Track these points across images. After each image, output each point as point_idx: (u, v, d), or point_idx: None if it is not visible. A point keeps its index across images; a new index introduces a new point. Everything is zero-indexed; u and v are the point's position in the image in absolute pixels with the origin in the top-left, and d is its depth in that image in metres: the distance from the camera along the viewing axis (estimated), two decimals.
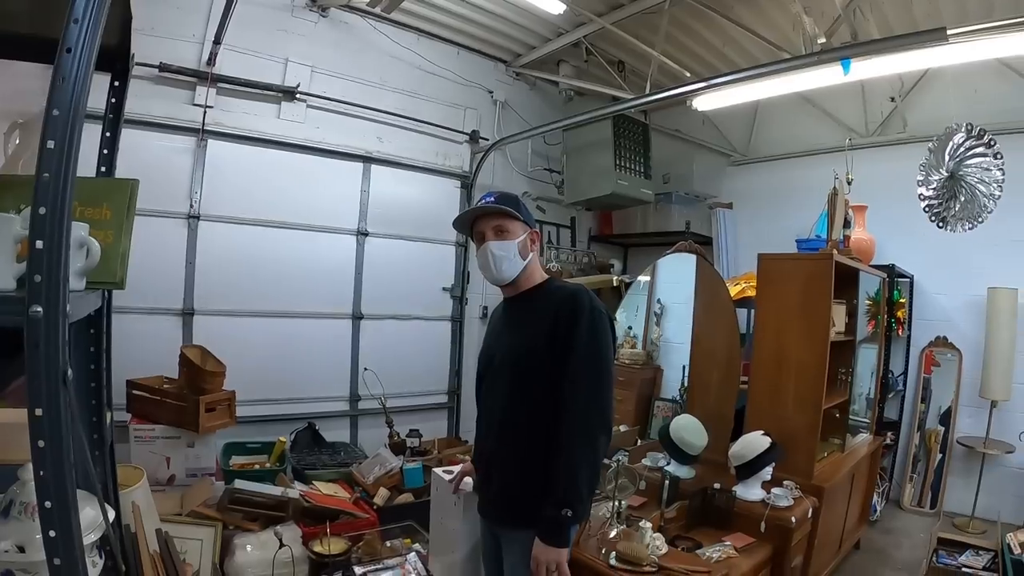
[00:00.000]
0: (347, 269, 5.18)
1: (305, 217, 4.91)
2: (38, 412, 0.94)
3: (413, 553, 3.14)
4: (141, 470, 3.09)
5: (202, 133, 4.42)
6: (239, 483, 3.53)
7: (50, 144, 0.94)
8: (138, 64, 3.99)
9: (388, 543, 3.33)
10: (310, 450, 4.76)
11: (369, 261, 5.24)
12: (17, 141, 2.52)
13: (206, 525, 3.33)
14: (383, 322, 5.33)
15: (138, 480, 2.93)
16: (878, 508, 4.87)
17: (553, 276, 2.41)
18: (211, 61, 4.35)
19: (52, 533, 0.96)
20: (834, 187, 3.83)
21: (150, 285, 4.23)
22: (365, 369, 5.07)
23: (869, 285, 4.32)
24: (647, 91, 4.48)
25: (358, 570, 2.92)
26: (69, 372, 0.97)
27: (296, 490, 3.69)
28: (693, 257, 4.23)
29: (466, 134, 5.75)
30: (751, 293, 4.46)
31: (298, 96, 4.82)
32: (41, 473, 0.95)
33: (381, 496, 4.02)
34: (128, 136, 4.02)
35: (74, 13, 0.95)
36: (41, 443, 0.94)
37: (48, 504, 0.96)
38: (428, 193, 5.60)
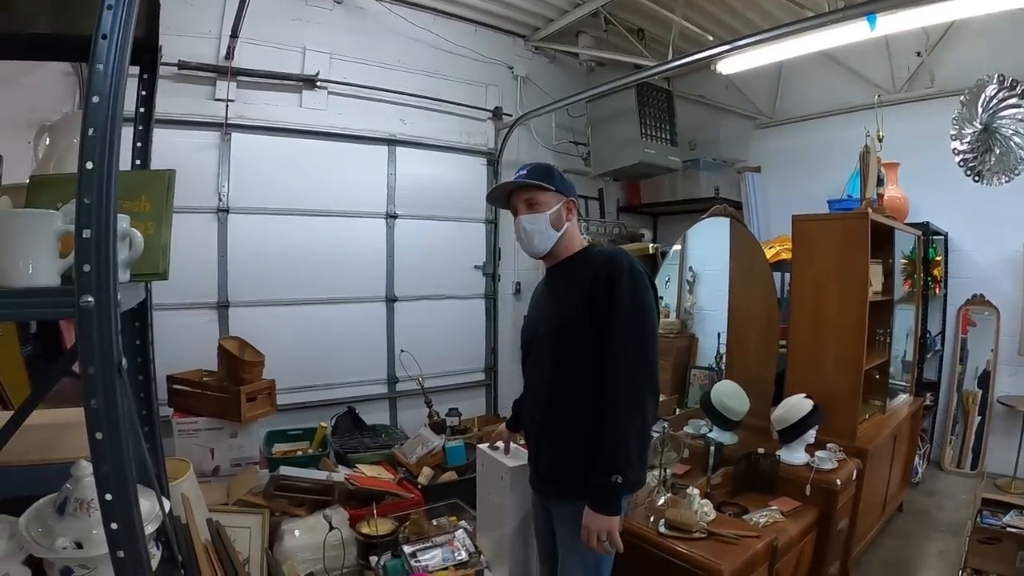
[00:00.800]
0: (378, 253, 5.19)
1: (333, 203, 4.92)
2: (94, 404, 0.94)
3: (461, 530, 3.15)
4: (187, 462, 3.13)
5: (225, 127, 4.44)
6: (284, 469, 3.56)
7: (91, 132, 0.93)
8: None
9: (434, 521, 3.35)
10: (351, 434, 4.80)
11: (400, 243, 5.25)
12: (47, 142, 2.54)
13: (253, 513, 3.37)
14: (417, 303, 5.35)
15: (185, 472, 2.97)
16: (920, 470, 4.82)
17: (593, 243, 2.36)
18: (229, 55, 4.36)
19: (114, 526, 0.96)
20: (865, 145, 3.75)
21: (184, 280, 4.25)
22: (402, 351, 5.09)
23: (904, 244, 4.25)
24: (669, 57, 4.42)
25: (407, 549, 2.93)
26: (124, 362, 0.97)
27: (341, 474, 3.72)
28: (726, 222, 4.17)
29: (489, 111, 5.72)
30: (786, 256, 4.41)
31: (318, 84, 4.81)
32: (101, 466, 0.95)
33: (425, 475, 4.04)
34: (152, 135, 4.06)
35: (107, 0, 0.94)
36: (99, 435, 0.94)
37: (109, 497, 0.95)
38: (455, 172, 5.59)
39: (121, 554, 0.97)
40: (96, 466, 0.95)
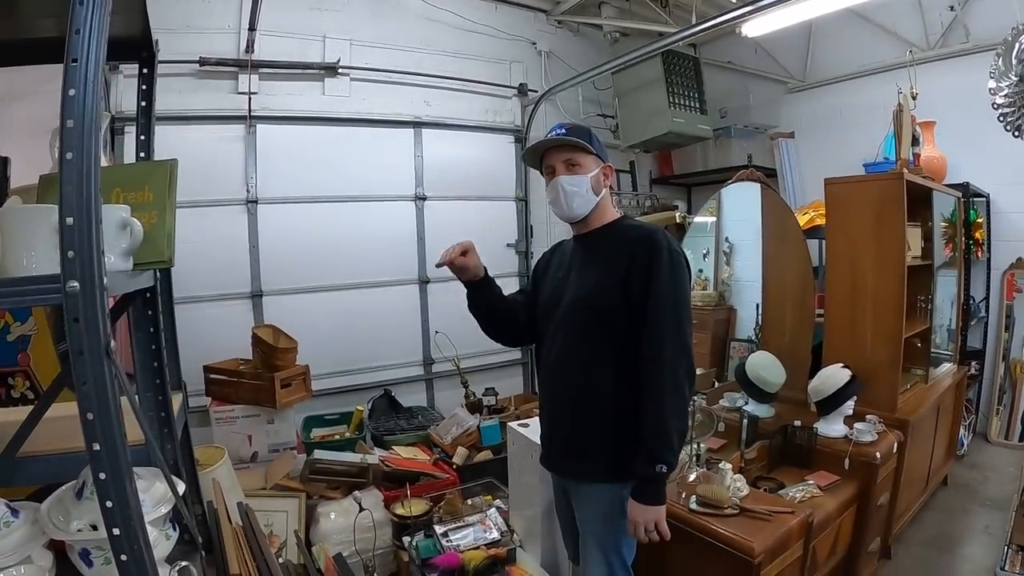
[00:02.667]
0: (409, 235, 5.19)
1: (361, 188, 4.93)
2: (84, 385, 0.95)
3: (493, 509, 3.16)
4: (223, 449, 3.19)
5: (250, 119, 4.47)
6: (318, 453, 3.60)
7: (69, 123, 0.96)
8: (178, 61, 4.15)
9: (469, 501, 3.36)
10: (387, 416, 4.83)
11: (430, 225, 5.24)
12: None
13: (290, 497, 3.43)
14: (450, 284, 5.17)
15: (220, 459, 3.02)
16: (965, 442, 4.68)
17: (626, 215, 2.29)
18: (249, 48, 4.37)
19: (109, 503, 0.98)
20: (899, 103, 3.63)
21: (217, 272, 4.37)
22: (436, 332, 5.09)
23: (943, 206, 4.11)
24: (693, 22, 4.33)
25: (439, 529, 2.95)
26: (112, 344, 0.98)
27: (375, 456, 3.75)
28: (757, 189, 4.09)
29: (514, 88, 5.66)
30: (820, 222, 4.30)
31: (340, 71, 4.81)
32: (94, 446, 0.97)
33: (460, 455, 4.05)
34: (178, 131, 4.17)
35: None
36: (90, 415, 0.96)
37: (103, 476, 0.97)
38: (482, 151, 5.55)
39: (117, 532, 0.99)
40: (88, 446, 0.96)
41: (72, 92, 0.95)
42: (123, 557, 1.00)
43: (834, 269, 3.67)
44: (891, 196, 3.39)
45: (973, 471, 4.45)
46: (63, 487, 1.53)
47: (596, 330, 2.04)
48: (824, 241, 3.92)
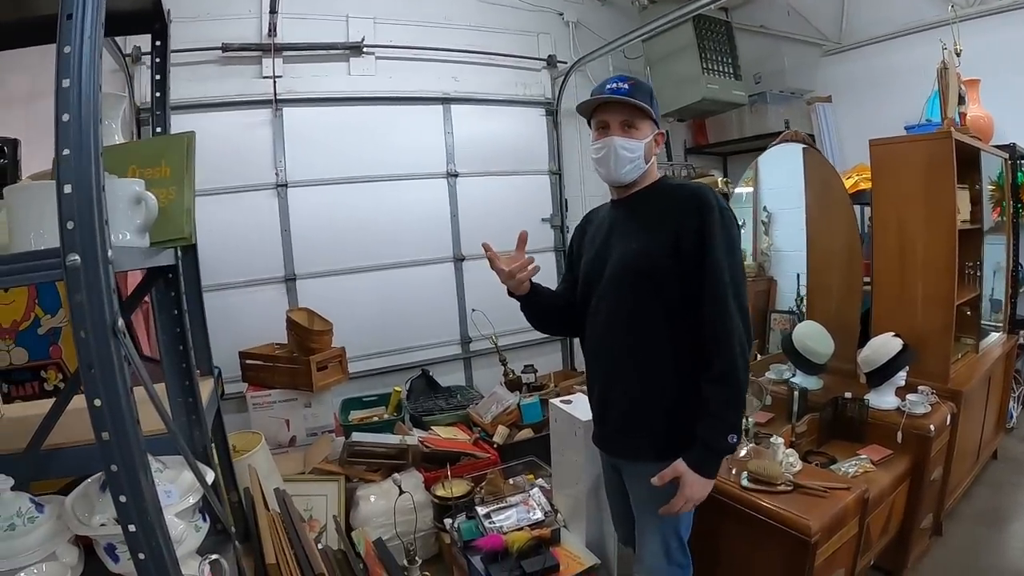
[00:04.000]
0: (442, 213, 5.13)
1: (392, 168, 4.86)
2: (90, 369, 0.88)
3: (536, 488, 3.09)
4: (259, 435, 3.17)
5: (276, 103, 4.42)
6: (356, 436, 3.58)
7: (65, 83, 0.89)
8: (201, 49, 4.12)
9: (511, 480, 3.31)
10: (426, 396, 4.81)
11: (463, 202, 5.17)
12: None
13: (329, 480, 3.41)
14: (485, 261, 5.17)
15: (257, 445, 3.00)
16: (1014, 414, 4.51)
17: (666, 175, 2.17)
18: (272, 32, 4.32)
19: (122, 498, 0.91)
20: (943, 60, 3.45)
21: (250, 258, 4.36)
22: (473, 310, 5.04)
23: (990, 168, 3.93)
24: None
25: (480, 510, 2.89)
26: (119, 322, 0.91)
27: (414, 437, 3.71)
28: (799, 156, 3.94)
29: (542, 60, 5.53)
30: (865, 186, 4.14)
31: (365, 50, 4.73)
32: (103, 435, 0.90)
33: (500, 434, 4.00)
34: (205, 119, 4.17)
35: None
36: (98, 402, 0.89)
37: (114, 468, 0.90)
38: (513, 125, 5.44)
39: (132, 528, 0.92)
40: (97, 435, 0.89)
41: (67, 50, 0.89)
42: (141, 555, 0.93)
43: (881, 234, 3.52)
44: (940, 156, 3.23)
45: (1023, 444, 4.31)
46: (88, 480, 1.50)
47: (645, 296, 1.93)
48: (869, 206, 3.78)
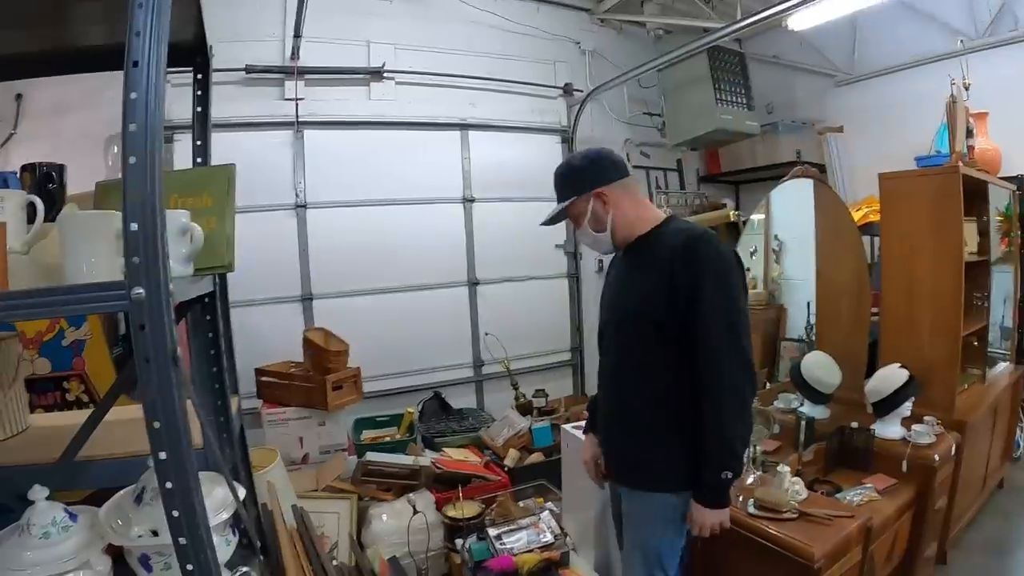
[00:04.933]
0: (457, 237, 5.21)
1: (410, 192, 4.95)
2: (151, 393, 0.95)
3: (546, 512, 3.14)
4: (275, 451, 3.22)
5: (297, 125, 4.53)
6: (370, 455, 3.63)
7: (132, 127, 0.95)
8: (225, 70, 4.22)
9: (521, 503, 3.36)
10: (438, 418, 4.86)
11: (479, 227, 5.25)
12: (116, 151, 2.65)
13: (342, 498, 3.45)
14: (499, 285, 5.33)
15: (273, 460, 3.05)
16: (1021, 444, 4.51)
17: (674, 216, 2.17)
18: (295, 55, 4.43)
19: (175, 513, 0.97)
20: (951, 94, 3.53)
21: (267, 276, 4.42)
22: (486, 334, 5.12)
23: (998, 199, 3.99)
24: (738, 17, 4.26)
25: (492, 531, 2.94)
26: (178, 351, 0.98)
27: (427, 458, 3.76)
28: (810, 185, 4.00)
29: (559, 88, 5.62)
30: (874, 218, 4.20)
31: (385, 75, 4.84)
32: (160, 455, 0.96)
33: (512, 457, 4.05)
34: (227, 139, 4.26)
35: None
36: (156, 424, 0.95)
37: (169, 485, 0.97)
38: (529, 152, 5.51)
39: (183, 541, 0.99)
40: (154, 454, 0.96)
41: (134, 95, 0.95)
42: (189, 567, 1.00)
43: (890, 266, 3.58)
44: (947, 190, 3.30)
45: None
46: (121, 492, 1.54)
47: (641, 343, 2.01)
48: (878, 238, 3.83)
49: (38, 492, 1.39)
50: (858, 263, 3.81)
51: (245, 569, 1.46)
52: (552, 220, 2.16)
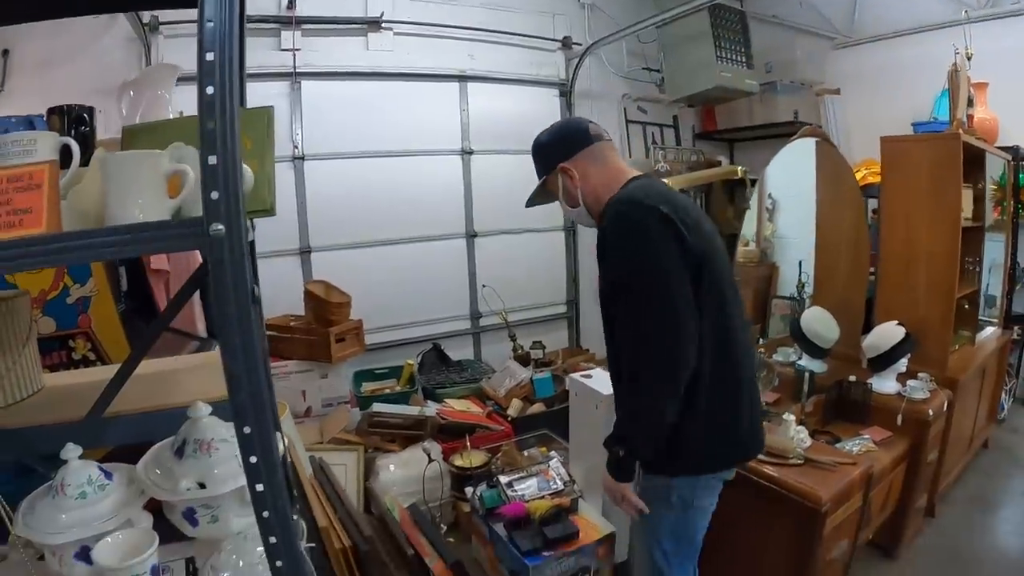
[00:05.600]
0: (456, 189, 5.19)
1: (408, 143, 4.91)
2: (230, 337, 0.93)
3: (556, 459, 3.19)
4: (284, 404, 3.23)
5: (294, 76, 4.46)
6: (376, 406, 3.65)
7: (209, 56, 0.89)
8: None
9: (526, 453, 3.39)
10: (438, 370, 4.89)
11: (476, 179, 5.23)
12: (131, 95, 2.61)
13: (348, 450, 3.48)
14: (497, 238, 5.34)
15: (283, 413, 3.07)
16: (1005, 406, 4.67)
17: (641, 177, 1.98)
18: (291, 5, 4.35)
19: (253, 459, 0.96)
20: (955, 63, 3.55)
21: (266, 229, 4.29)
22: (484, 286, 5.13)
23: (993, 169, 4.07)
24: None
25: (503, 479, 2.98)
26: (257, 289, 0.97)
27: (432, 409, 3.80)
28: (809, 145, 4.01)
29: (558, 41, 5.56)
30: (872, 180, 4.26)
31: (383, 25, 4.76)
32: (238, 397, 0.94)
33: (515, 407, 4.10)
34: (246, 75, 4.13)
35: None
36: (236, 366, 0.93)
37: (247, 430, 0.95)
38: (528, 105, 5.47)
39: (260, 488, 0.97)
40: (233, 396, 0.94)
41: (210, 24, 0.89)
42: (265, 514, 0.98)
43: (888, 227, 3.64)
44: (948, 156, 3.36)
45: (1014, 435, 4.48)
46: (157, 446, 1.53)
47: (607, 324, 1.97)
48: (876, 199, 3.88)
49: (71, 451, 1.37)
50: (858, 222, 3.87)
51: (295, 518, 1.48)
52: (532, 201, 2.15)
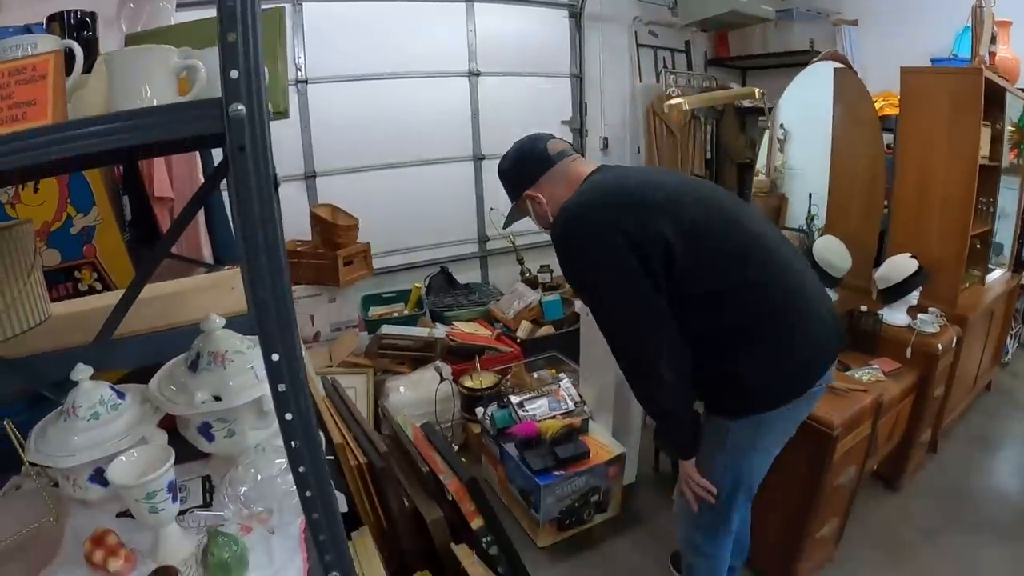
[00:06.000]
0: (463, 112, 5.09)
1: (414, 65, 4.80)
2: (251, 230, 0.87)
3: (566, 380, 3.20)
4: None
5: None
6: (386, 328, 3.65)
7: None
8: None
9: (535, 375, 3.40)
10: (445, 293, 4.90)
11: (484, 101, 5.13)
12: (132, 6, 2.53)
13: (357, 373, 3.49)
14: None
15: None
16: (1010, 351, 4.65)
17: (596, 172, 1.92)
18: None
19: (275, 357, 0.91)
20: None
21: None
22: (492, 209, 5.04)
23: (1012, 110, 3.94)
24: None
25: (514, 399, 3.00)
26: (277, 176, 0.92)
27: (441, 330, 3.80)
28: (827, 73, 3.91)
29: None
30: (890, 111, 4.17)
31: None
32: (260, 295, 0.88)
33: (524, 329, 4.10)
34: None
35: None
36: (259, 262, 0.87)
37: (270, 329, 0.90)
38: (537, 26, 5.33)
39: (282, 388, 0.93)
40: (254, 296, 0.88)
41: None
42: (288, 416, 0.94)
43: (904, 160, 3.58)
44: (969, 91, 3.27)
45: (1015, 379, 4.47)
46: (171, 362, 1.51)
47: None
48: (892, 132, 3.80)
49: (81, 371, 1.35)
50: (875, 154, 3.79)
51: (321, 436, 1.47)
52: (508, 222, 2.13)
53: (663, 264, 1.66)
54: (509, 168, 2.00)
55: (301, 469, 0.97)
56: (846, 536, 2.79)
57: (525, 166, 1.95)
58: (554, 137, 2.00)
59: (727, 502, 1.95)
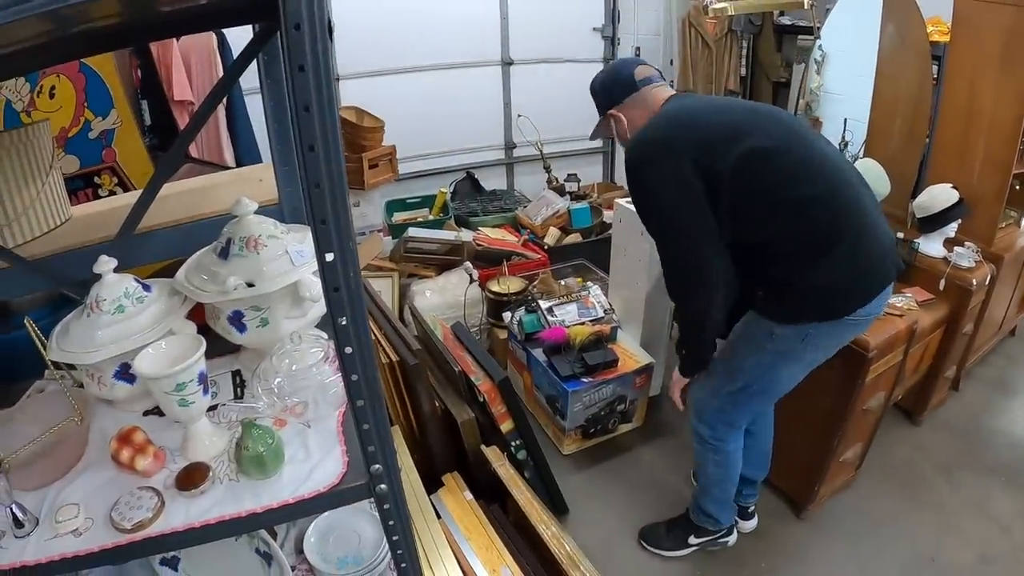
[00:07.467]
0: (492, 14, 4.90)
1: None
2: (303, 98, 0.77)
3: (596, 287, 3.17)
4: None
5: None
6: (412, 231, 3.62)
7: None
8: None
9: (562, 282, 3.37)
10: (471, 198, 4.86)
11: (513, 4, 4.92)
12: None
13: (383, 276, 3.48)
14: (534, 67, 5.11)
15: None
16: None
17: (673, 98, 2.01)
18: None
19: (330, 256, 0.85)
20: None
21: None
22: (519, 116, 4.89)
23: None
24: None
25: (543, 304, 2.98)
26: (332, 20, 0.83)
27: (468, 234, 3.77)
28: None
29: None
30: (939, 38, 3.98)
31: None
32: (317, 186, 0.81)
33: (551, 236, 4.06)
34: None
35: None
36: (313, 146, 0.79)
37: (325, 223, 0.83)
38: None
39: (349, 350, 0.92)
40: (310, 187, 0.81)
41: None
42: (342, 320, 0.90)
43: (951, 89, 3.42)
44: None
45: None
46: (199, 252, 1.45)
47: None
48: (938, 60, 3.64)
49: (104, 263, 1.30)
50: (922, 79, 3.62)
51: None
52: (595, 135, 2.25)
53: (725, 187, 1.75)
54: (598, 87, 2.10)
55: (348, 350, 0.93)
56: (864, 465, 2.82)
57: (612, 88, 2.05)
58: (645, 63, 2.07)
59: (742, 398, 2.12)
